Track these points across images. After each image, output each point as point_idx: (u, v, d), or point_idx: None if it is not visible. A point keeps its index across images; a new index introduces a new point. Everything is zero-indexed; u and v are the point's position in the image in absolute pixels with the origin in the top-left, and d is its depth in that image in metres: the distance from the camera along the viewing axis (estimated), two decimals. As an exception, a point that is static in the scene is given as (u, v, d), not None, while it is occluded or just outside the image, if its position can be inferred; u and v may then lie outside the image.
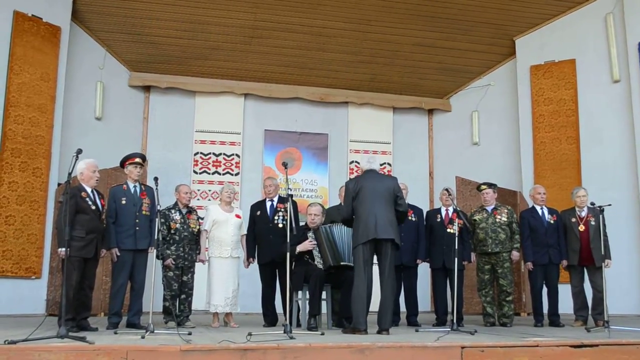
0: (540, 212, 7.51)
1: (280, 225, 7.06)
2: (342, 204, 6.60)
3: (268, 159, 11.48)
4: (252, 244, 7.25)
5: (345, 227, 6.46)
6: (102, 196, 6.17)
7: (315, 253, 6.51)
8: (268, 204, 7.34)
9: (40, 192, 8.91)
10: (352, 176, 11.16)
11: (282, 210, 7.15)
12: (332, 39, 10.68)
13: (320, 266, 6.42)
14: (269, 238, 7.07)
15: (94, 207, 5.95)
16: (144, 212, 6.37)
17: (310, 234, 6.57)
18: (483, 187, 7.60)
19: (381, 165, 10.60)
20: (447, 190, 7.39)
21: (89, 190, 5.98)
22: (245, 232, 7.16)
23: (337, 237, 6.48)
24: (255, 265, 7.27)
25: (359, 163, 11.56)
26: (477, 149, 11.74)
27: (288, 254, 5.61)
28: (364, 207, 5.72)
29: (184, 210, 7.00)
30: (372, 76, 11.59)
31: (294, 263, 6.37)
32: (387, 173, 11.24)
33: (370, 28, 10.50)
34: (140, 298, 6.36)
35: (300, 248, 6.40)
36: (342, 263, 6.37)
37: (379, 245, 5.68)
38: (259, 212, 7.32)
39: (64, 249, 5.30)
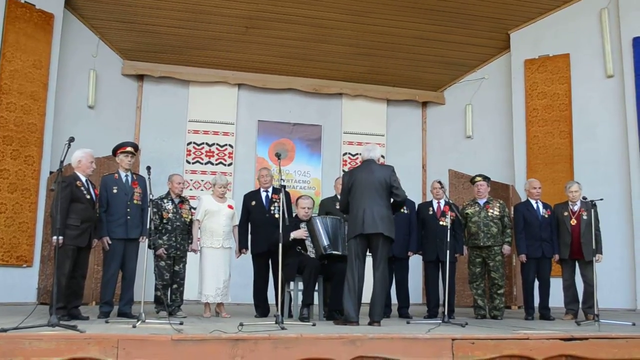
0: (535, 206, 7.53)
1: (277, 216, 7.03)
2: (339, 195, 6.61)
3: (261, 149, 11.46)
4: (245, 235, 7.23)
5: (336, 218, 6.57)
6: (94, 186, 6.15)
7: (308, 243, 6.52)
8: (263, 194, 7.31)
9: (32, 180, 8.86)
10: (346, 168, 11.18)
11: (278, 200, 7.14)
12: (329, 30, 10.64)
13: (313, 256, 6.43)
14: (265, 228, 6.99)
15: (88, 197, 5.93)
16: (135, 202, 6.34)
17: (302, 225, 6.58)
18: (477, 179, 7.61)
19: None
20: (438, 182, 7.39)
21: (83, 179, 5.96)
22: (238, 223, 7.15)
23: (329, 227, 6.49)
24: (247, 256, 7.25)
25: (352, 155, 11.58)
26: (470, 142, 11.75)
27: (281, 245, 5.61)
28: (355, 201, 5.76)
29: (177, 200, 6.99)
30: (368, 68, 11.57)
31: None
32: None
33: (367, 20, 10.46)
34: (131, 287, 6.34)
35: (294, 234, 6.39)
36: (334, 252, 6.38)
37: (371, 239, 5.70)
38: (253, 202, 7.28)
39: (60, 237, 5.28)
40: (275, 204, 7.18)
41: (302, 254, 6.47)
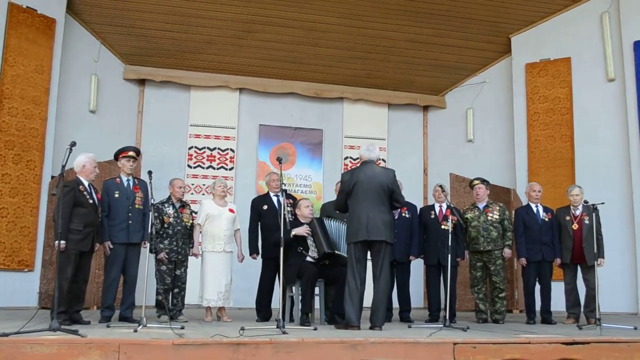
0: (535, 209, 7.53)
1: (290, 220, 7.00)
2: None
3: (262, 153, 11.46)
4: (256, 240, 7.18)
5: (339, 222, 6.55)
6: (97, 190, 6.15)
7: (310, 242, 6.50)
8: (274, 198, 7.28)
9: (33, 184, 8.87)
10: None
11: (289, 205, 7.11)
12: (327, 34, 10.66)
13: (315, 254, 6.41)
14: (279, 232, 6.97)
15: (91, 201, 5.95)
16: (136, 206, 6.34)
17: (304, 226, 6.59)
18: (475, 182, 7.61)
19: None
20: (440, 186, 7.40)
21: (86, 184, 5.97)
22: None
23: (333, 228, 6.51)
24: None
25: (353, 159, 11.58)
26: (471, 146, 11.75)
27: (282, 248, 5.60)
28: (357, 205, 5.73)
29: (178, 205, 7.00)
30: (368, 72, 11.57)
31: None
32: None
33: (365, 24, 10.48)
34: (132, 292, 6.34)
35: (295, 231, 6.38)
36: (336, 252, 6.37)
37: (372, 244, 5.68)
38: (265, 207, 7.24)
39: (63, 242, 5.29)
40: (288, 208, 7.15)
41: (303, 256, 6.45)
